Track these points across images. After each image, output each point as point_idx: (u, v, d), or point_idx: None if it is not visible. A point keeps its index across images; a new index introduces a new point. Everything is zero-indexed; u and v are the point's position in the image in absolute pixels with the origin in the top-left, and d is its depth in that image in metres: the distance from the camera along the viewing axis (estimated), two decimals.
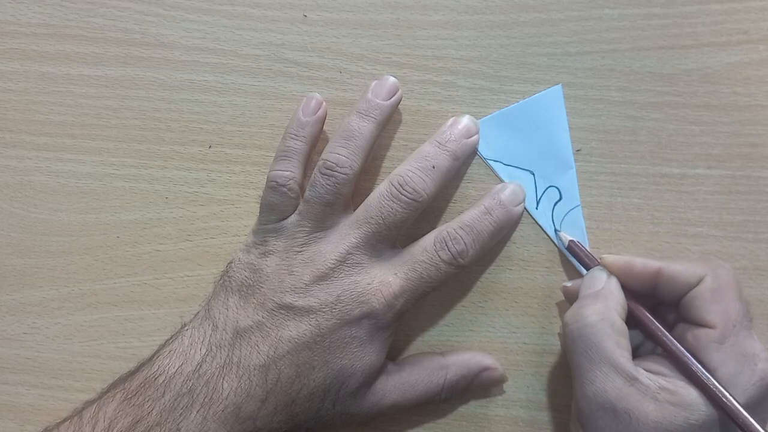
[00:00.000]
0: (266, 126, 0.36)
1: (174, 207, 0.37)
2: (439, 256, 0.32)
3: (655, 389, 0.28)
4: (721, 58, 0.34)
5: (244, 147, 0.36)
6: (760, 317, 0.34)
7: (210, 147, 0.37)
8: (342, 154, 0.32)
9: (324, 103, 0.34)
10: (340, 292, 0.31)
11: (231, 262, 0.33)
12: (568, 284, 0.33)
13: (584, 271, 0.33)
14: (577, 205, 0.35)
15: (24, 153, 0.37)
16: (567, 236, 0.34)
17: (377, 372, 0.32)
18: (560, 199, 0.35)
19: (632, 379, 0.28)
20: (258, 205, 0.34)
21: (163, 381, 0.30)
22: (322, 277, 0.31)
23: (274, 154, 0.35)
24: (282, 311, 0.31)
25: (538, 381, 0.35)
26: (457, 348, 0.35)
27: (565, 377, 0.34)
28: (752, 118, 0.34)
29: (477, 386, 0.34)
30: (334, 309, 0.31)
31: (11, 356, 0.37)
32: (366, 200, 0.33)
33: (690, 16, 0.34)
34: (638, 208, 0.35)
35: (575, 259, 0.34)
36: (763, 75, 0.34)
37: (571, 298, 0.33)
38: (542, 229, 0.35)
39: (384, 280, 0.31)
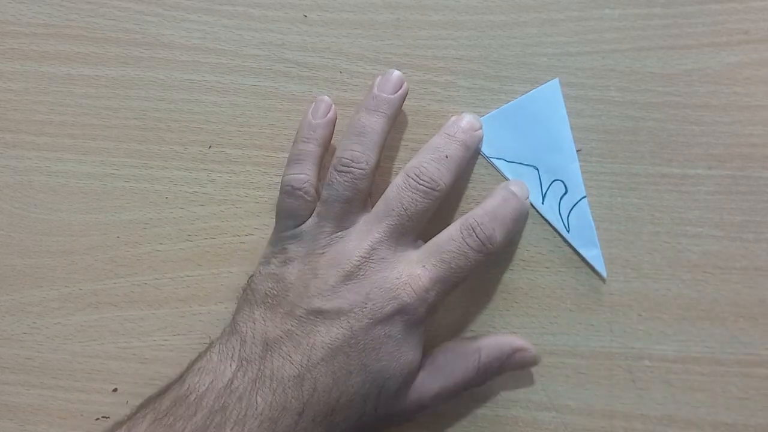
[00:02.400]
0: (266, 126, 0.36)
1: (174, 207, 0.37)
2: (467, 244, 0.31)
3: None
4: (721, 58, 0.34)
5: (244, 147, 0.36)
6: (760, 317, 0.34)
7: (210, 147, 0.37)
8: (357, 150, 0.32)
9: (334, 105, 0.34)
10: (368, 290, 0.30)
11: (251, 276, 0.32)
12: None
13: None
14: (583, 197, 0.34)
15: (24, 153, 0.37)
16: None
17: (416, 370, 0.31)
18: (566, 192, 0.35)
19: None
20: (259, 206, 0.34)
21: (195, 399, 0.29)
22: (348, 277, 0.30)
23: (274, 154, 0.35)
24: (311, 317, 0.30)
25: (539, 381, 0.35)
26: None
27: (565, 377, 0.34)
28: (752, 118, 0.34)
29: (509, 368, 0.33)
30: (365, 308, 0.30)
31: (11, 356, 0.37)
32: (383, 195, 0.32)
33: (690, 16, 0.34)
34: (638, 208, 0.35)
35: None
36: (763, 75, 0.34)
37: None
38: (549, 224, 0.35)
39: (412, 273, 0.30)
